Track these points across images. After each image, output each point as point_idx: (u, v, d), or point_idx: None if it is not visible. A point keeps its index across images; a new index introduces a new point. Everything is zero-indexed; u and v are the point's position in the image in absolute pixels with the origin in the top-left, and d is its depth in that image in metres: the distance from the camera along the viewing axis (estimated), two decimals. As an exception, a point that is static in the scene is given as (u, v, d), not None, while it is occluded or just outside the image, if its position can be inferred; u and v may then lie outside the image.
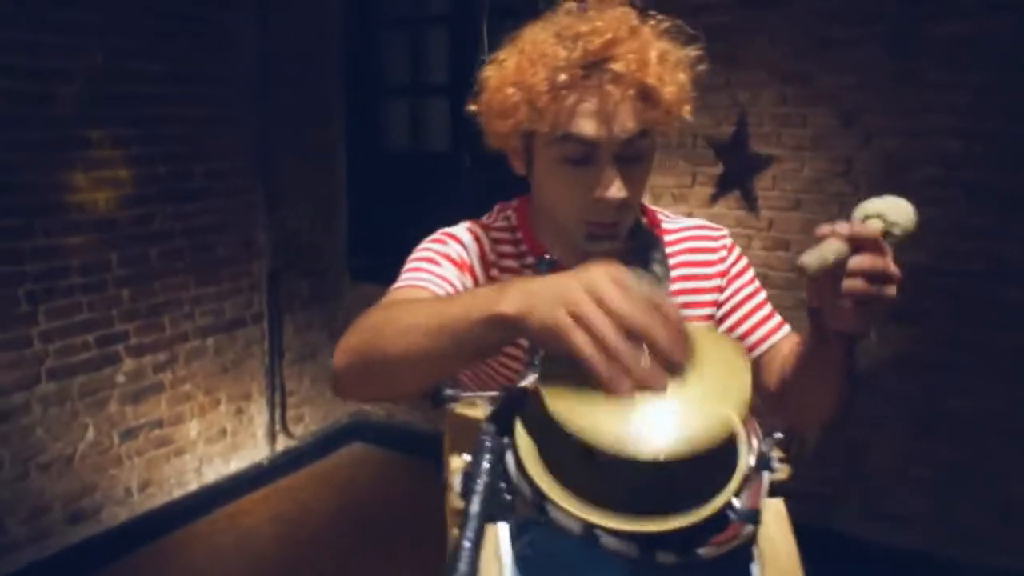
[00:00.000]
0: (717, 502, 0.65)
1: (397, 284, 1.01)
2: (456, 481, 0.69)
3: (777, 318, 1.14)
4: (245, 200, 3.37)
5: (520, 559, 0.67)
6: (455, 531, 0.65)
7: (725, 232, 1.15)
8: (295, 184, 3.58)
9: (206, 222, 3.21)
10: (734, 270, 1.13)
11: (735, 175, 2.88)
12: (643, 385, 0.61)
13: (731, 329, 1.11)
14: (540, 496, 0.65)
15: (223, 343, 3.34)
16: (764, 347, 1.10)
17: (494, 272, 1.06)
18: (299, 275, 3.65)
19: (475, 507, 0.62)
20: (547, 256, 0.90)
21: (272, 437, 3.60)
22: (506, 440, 0.69)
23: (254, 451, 3.54)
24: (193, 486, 3.27)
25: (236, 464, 3.45)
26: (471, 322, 0.70)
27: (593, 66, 0.91)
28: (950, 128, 2.57)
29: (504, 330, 0.68)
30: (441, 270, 1.02)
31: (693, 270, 1.11)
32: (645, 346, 0.61)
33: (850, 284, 0.78)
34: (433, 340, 0.74)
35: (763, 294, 1.15)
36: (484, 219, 1.13)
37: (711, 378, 0.66)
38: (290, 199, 3.55)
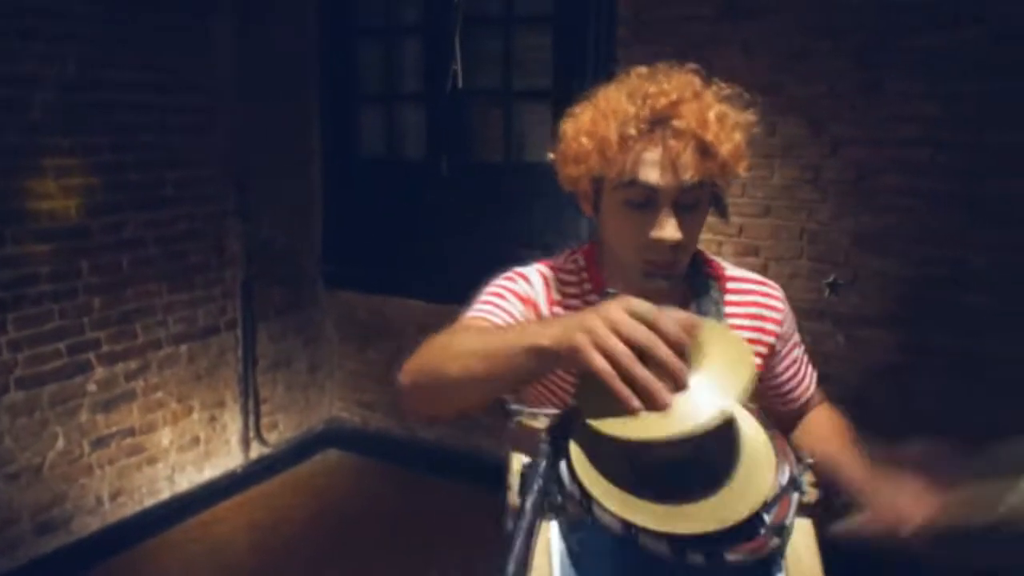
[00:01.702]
0: (744, 509, 0.72)
1: (468, 314, 1.13)
2: (515, 481, 0.79)
3: (811, 377, 1.31)
4: (219, 207, 3.35)
5: (569, 554, 0.77)
6: (511, 524, 0.73)
7: (780, 290, 1.25)
8: (270, 191, 3.57)
9: (179, 229, 3.19)
10: (789, 332, 1.24)
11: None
12: (649, 398, 0.72)
13: (779, 384, 1.26)
14: (587, 497, 0.74)
15: (196, 350, 3.31)
16: (796, 404, 1.29)
17: (557, 309, 1.16)
18: (273, 282, 3.64)
19: (529, 503, 0.71)
20: (609, 290, 0.97)
21: (246, 444, 3.58)
22: (560, 449, 0.78)
23: (228, 459, 3.51)
24: (165, 495, 3.24)
25: (209, 472, 3.43)
26: (516, 351, 0.83)
27: (658, 122, 1.02)
28: (915, 138, 2.63)
29: (542, 358, 0.81)
30: (506, 304, 1.13)
31: (753, 322, 1.19)
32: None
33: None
34: (484, 364, 0.87)
35: (802, 350, 1.29)
36: (553, 260, 1.22)
37: (716, 370, 0.75)
38: (264, 206, 3.54)
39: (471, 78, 3.43)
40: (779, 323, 1.20)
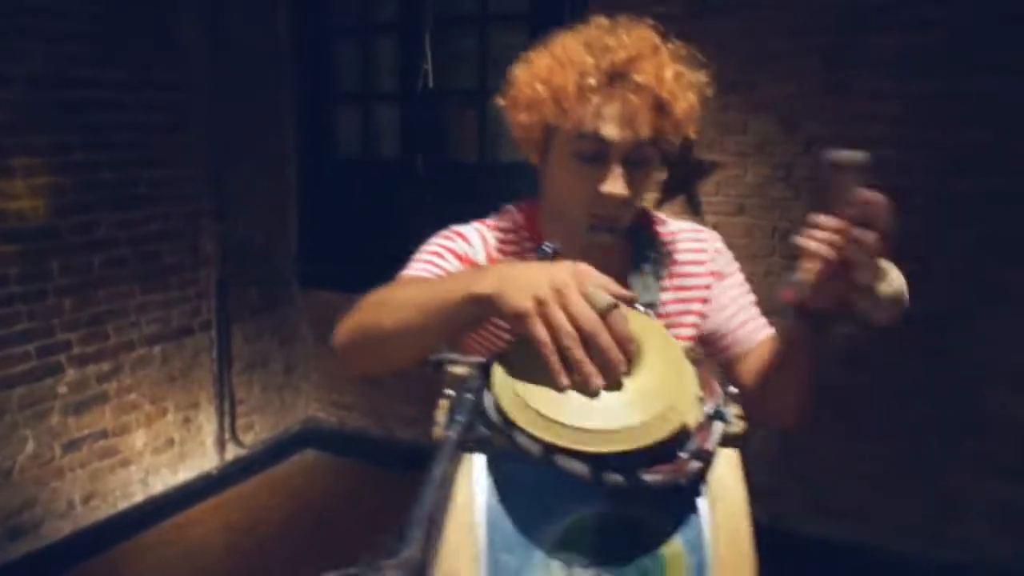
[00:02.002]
0: (657, 432, 0.73)
1: (402, 272, 1.11)
2: (441, 416, 0.79)
3: (761, 319, 1.22)
4: (193, 207, 3.32)
5: (493, 487, 0.78)
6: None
7: (716, 236, 1.25)
8: (245, 191, 3.54)
9: (153, 229, 3.15)
10: (723, 271, 1.22)
11: (680, 181, 2.95)
12: (581, 382, 0.72)
13: (716, 327, 1.20)
14: (509, 423, 0.74)
15: (170, 352, 3.28)
16: (745, 346, 1.19)
17: (496, 265, 1.14)
18: (249, 283, 3.61)
19: (453, 432, 0.71)
20: (546, 246, 0.96)
21: (221, 446, 3.55)
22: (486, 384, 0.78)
23: (203, 460, 3.48)
24: (139, 497, 3.20)
25: (184, 474, 3.40)
26: (452, 300, 0.81)
27: (617, 76, 1.01)
28: (884, 137, 2.67)
29: (479, 307, 0.79)
30: (444, 263, 1.12)
31: (686, 268, 1.19)
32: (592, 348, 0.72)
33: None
34: (421, 315, 0.85)
35: (750, 295, 1.24)
36: (490, 219, 1.21)
37: (651, 376, 0.76)
38: (239, 206, 3.51)
39: (447, 77, 3.43)
40: (710, 262, 1.20)
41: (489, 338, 1.14)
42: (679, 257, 1.20)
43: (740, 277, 1.24)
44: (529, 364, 0.75)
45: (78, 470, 2.95)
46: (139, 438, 3.18)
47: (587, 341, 0.72)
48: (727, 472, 0.82)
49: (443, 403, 0.81)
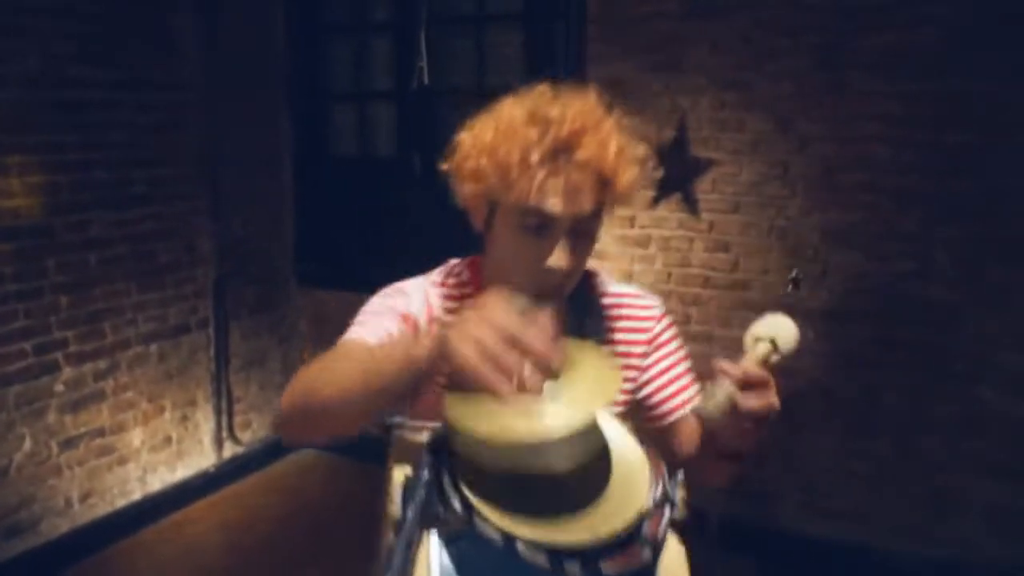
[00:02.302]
0: (618, 522, 0.75)
1: (345, 337, 1.11)
2: (396, 493, 0.80)
3: (692, 390, 1.23)
4: (189, 206, 3.32)
5: (448, 567, 0.77)
6: (391, 536, 0.74)
7: (658, 303, 1.25)
8: (241, 190, 3.54)
9: (148, 228, 3.16)
10: (660, 339, 1.22)
11: (676, 178, 2.96)
12: (521, 385, 0.73)
13: (649, 395, 1.21)
14: (468, 508, 0.75)
15: (167, 350, 3.28)
16: (675, 416, 1.21)
17: (435, 327, 1.13)
18: (245, 281, 3.62)
19: (411, 514, 0.72)
20: None
21: (219, 444, 3.56)
22: (442, 461, 0.79)
23: (200, 458, 3.48)
24: (137, 495, 3.21)
25: (182, 472, 3.40)
26: (393, 364, 0.84)
27: (560, 151, 1.01)
28: (880, 135, 2.68)
29: (413, 365, 0.81)
30: (384, 321, 1.11)
31: (624, 335, 1.20)
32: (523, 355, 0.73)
33: (742, 421, 0.91)
34: (361, 382, 0.87)
35: (684, 365, 1.24)
36: (435, 275, 1.21)
37: (583, 381, 0.79)
38: (236, 205, 3.51)
39: (443, 76, 3.44)
40: (648, 331, 1.21)
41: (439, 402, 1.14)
42: (618, 324, 1.20)
43: (677, 345, 1.24)
44: (468, 405, 0.76)
45: (76, 468, 2.96)
46: (136, 436, 3.18)
47: (514, 344, 0.73)
48: (675, 561, 0.83)
49: (396, 476, 0.82)
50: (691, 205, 2.95)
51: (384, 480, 0.90)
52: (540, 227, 1.02)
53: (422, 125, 3.57)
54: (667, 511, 0.81)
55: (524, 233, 1.03)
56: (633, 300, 1.23)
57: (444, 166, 1.12)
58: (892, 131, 2.66)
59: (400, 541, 0.69)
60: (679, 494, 0.84)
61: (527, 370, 0.73)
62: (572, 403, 0.76)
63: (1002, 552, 2.66)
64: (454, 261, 1.23)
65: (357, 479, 3.63)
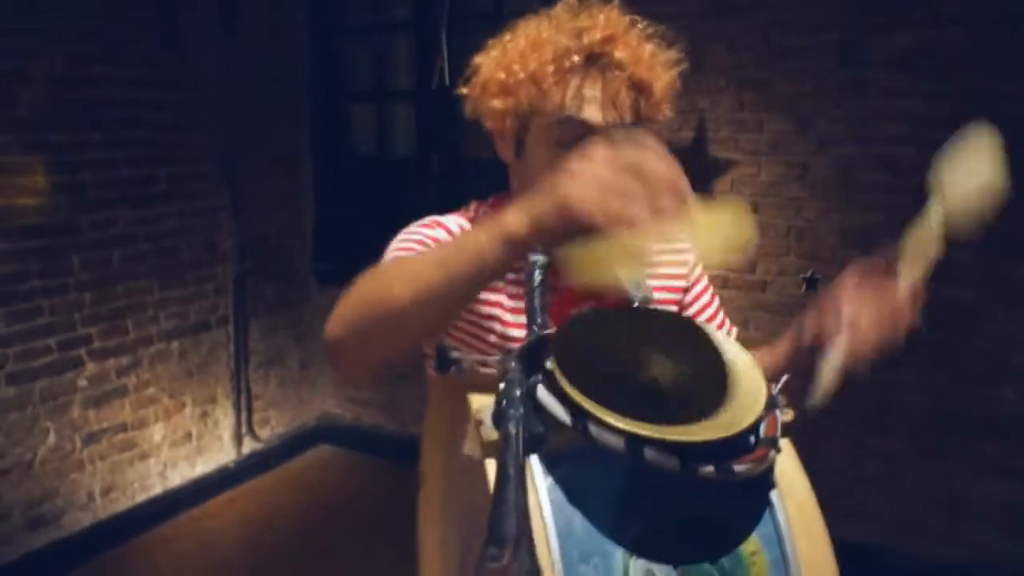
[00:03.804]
0: (747, 417, 0.70)
1: (385, 256, 1.05)
2: (486, 416, 0.70)
3: (727, 321, 1.23)
4: (210, 204, 3.36)
5: (557, 492, 0.70)
6: (489, 464, 0.66)
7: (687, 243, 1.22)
8: (261, 188, 3.57)
9: (170, 226, 3.19)
10: (696, 273, 1.21)
11: (694, 179, 2.95)
12: (655, 210, 0.64)
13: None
14: (583, 416, 0.67)
15: (188, 347, 3.32)
16: None
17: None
18: (265, 279, 3.65)
19: (514, 429, 0.63)
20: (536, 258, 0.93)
21: (238, 440, 3.59)
22: (532, 378, 0.71)
23: (220, 454, 3.52)
24: (157, 490, 3.25)
25: (202, 467, 3.44)
26: (481, 246, 0.72)
27: (595, 56, 0.97)
28: (900, 135, 2.66)
29: (514, 244, 0.71)
30: (426, 250, 1.04)
31: (666, 268, 1.16)
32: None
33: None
34: (443, 270, 0.75)
35: (717, 300, 1.23)
36: (462, 212, 1.16)
37: (717, 223, 0.72)
38: (256, 203, 3.54)
39: (461, 74, 3.44)
40: (686, 264, 1.18)
41: (472, 330, 1.08)
42: (660, 257, 1.16)
43: (708, 282, 1.24)
44: (580, 349, 0.71)
45: (98, 462, 3.00)
46: (157, 431, 3.22)
47: (639, 173, 0.65)
48: (788, 463, 0.79)
49: (476, 402, 0.73)
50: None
51: (439, 422, 0.82)
52: (579, 140, 0.94)
53: (441, 125, 3.58)
54: (778, 413, 0.77)
55: (559, 149, 0.96)
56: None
57: (464, 89, 1.05)
58: (913, 131, 2.64)
59: (508, 467, 0.60)
60: (781, 398, 0.80)
61: (663, 193, 0.65)
62: (715, 240, 0.69)
63: (1018, 554, 2.63)
64: (475, 201, 1.16)
65: (375, 475, 3.66)
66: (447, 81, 3.37)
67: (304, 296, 3.89)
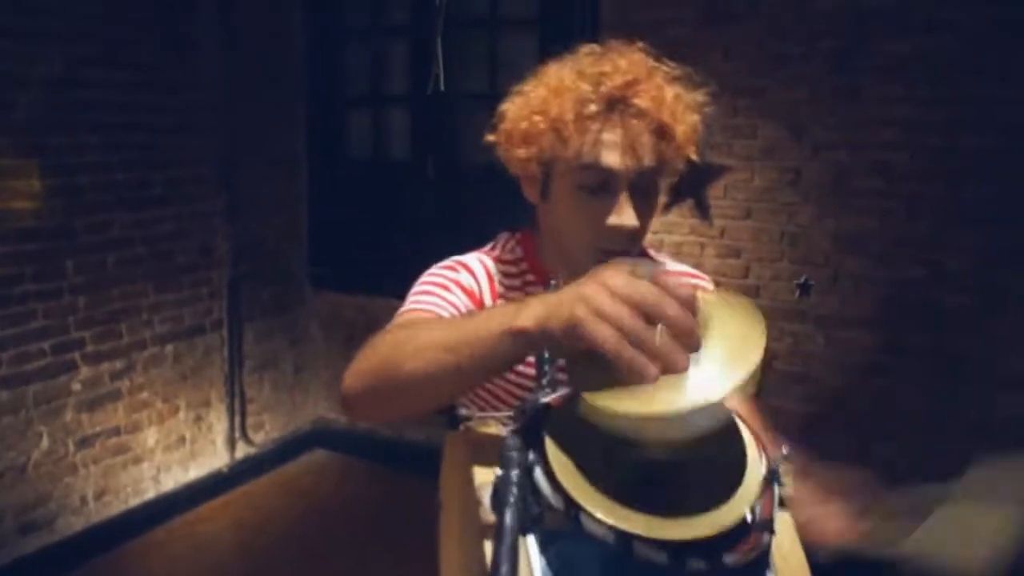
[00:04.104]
0: (740, 509, 0.69)
1: (405, 307, 1.03)
2: (485, 495, 0.69)
3: None
4: (205, 208, 3.36)
5: (547, 570, 0.69)
6: (485, 544, 0.66)
7: (709, 281, 1.21)
8: (256, 192, 3.57)
9: (166, 230, 3.19)
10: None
11: (688, 184, 2.97)
12: (665, 365, 0.63)
13: None
14: (574, 506, 0.67)
15: (182, 350, 3.32)
16: None
17: (500, 303, 1.09)
18: (260, 283, 3.65)
19: (509, 519, 0.62)
20: (554, 281, 0.91)
21: (232, 444, 3.58)
22: (531, 455, 0.71)
23: (214, 458, 3.51)
24: (151, 494, 3.24)
25: (195, 472, 3.43)
26: (491, 337, 0.73)
27: (616, 102, 0.98)
28: (893, 141, 2.68)
29: (523, 342, 0.71)
30: (451, 296, 1.05)
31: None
32: (660, 326, 0.63)
33: None
34: (453, 355, 0.76)
35: None
36: (489, 249, 1.15)
37: (724, 348, 0.69)
38: (251, 207, 3.54)
39: (457, 80, 3.46)
40: None
41: (495, 392, 1.09)
42: None
43: None
44: (577, 426, 0.69)
45: (91, 466, 2.99)
46: (151, 435, 3.22)
47: (652, 317, 0.63)
48: (786, 539, 0.77)
49: (479, 476, 0.72)
50: (703, 211, 2.96)
51: (452, 480, 0.81)
52: (600, 185, 0.98)
53: (437, 130, 3.59)
54: (775, 488, 0.74)
55: (583, 193, 0.99)
56: (687, 279, 1.17)
57: (491, 136, 1.07)
58: (906, 137, 2.66)
59: (502, 551, 0.60)
60: (783, 468, 0.77)
61: (669, 344, 0.63)
62: (717, 368, 0.66)
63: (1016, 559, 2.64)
64: (504, 235, 1.17)
65: (369, 480, 3.66)
66: (442, 86, 3.38)
67: (299, 300, 3.88)
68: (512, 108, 1.05)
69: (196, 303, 3.36)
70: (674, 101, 1.00)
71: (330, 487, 3.67)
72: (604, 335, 0.63)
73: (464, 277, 1.09)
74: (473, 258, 1.12)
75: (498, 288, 1.11)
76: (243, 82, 3.44)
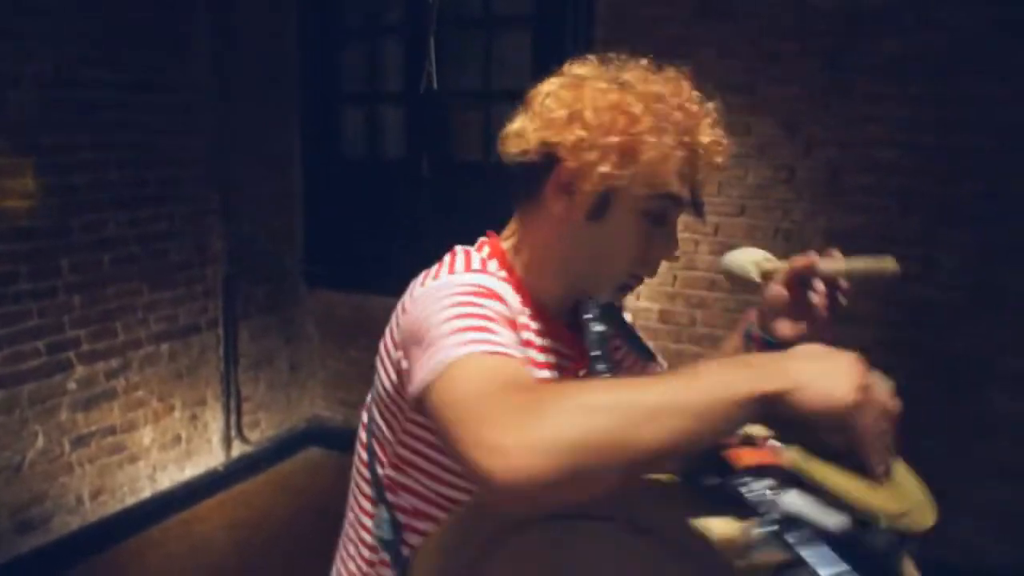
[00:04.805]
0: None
1: (466, 348, 0.79)
2: (760, 540, 0.69)
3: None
4: (200, 206, 3.35)
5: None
6: None
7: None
8: (251, 191, 3.57)
9: (160, 228, 3.19)
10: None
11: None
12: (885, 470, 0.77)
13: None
14: (869, 515, 0.74)
15: (177, 349, 3.32)
16: None
17: (519, 330, 0.96)
18: (255, 281, 3.65)
19: (812, 555, 0.67)
20: (589, 315, 0.95)
21: (227, 443, 3.58)
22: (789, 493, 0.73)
23: (209, 457, 3.51)
24: (147, 493, 3.24)
25: (191, 470, 3.43)
26: (742, 400, 0.69)
27: (686, 133, 0.94)
28: (886, 138, 2.69)
29: (767, 407, 0.70)
30: (508, 334, 0.85)
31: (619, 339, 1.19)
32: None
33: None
34: (698, 422, 0.69)
35: None
36: (479, 265, 1.00)
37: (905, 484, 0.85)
38: (246, 206, 3.54)
39: (452, 78, 3.46)
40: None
41: (440, 490, 0.98)
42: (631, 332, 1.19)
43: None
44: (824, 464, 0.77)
45: (87, 466, 2.99)
46: (147, 434, 3.22)
47: (890, 426, 0.77)
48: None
49: (723, 529, 0.70)
50: (696, 208, 2.95)
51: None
52: (663, 215, 0.96)
53: (431, 127, 3.59)
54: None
55: (646, 221, 0.95)
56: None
57: (555, 138, 0.94)
58: (898, 134, 2.67)
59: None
60: None
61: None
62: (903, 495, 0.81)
63: (1007, 555, 2.66)
64: (465, 248, 1.05)
65: (364, 479, 3.66)
66: (434, 84, 3.39)
67: (294, 298, 3.89)
68: (594, 116, 0.93)
69: (191, 302, 3.36)
70: (726, 146, 0.98)
71: (325, 485, 3.67)
72: (871, 428, 0.75)
73: (500, 307, 0.90)
74: (487, 280, 0.94)
75: (513, 312, 0.95)
76: (238, 81, 3.43)
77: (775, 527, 0.68)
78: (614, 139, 0.91)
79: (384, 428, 0.99)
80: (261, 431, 3.77)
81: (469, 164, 3.58)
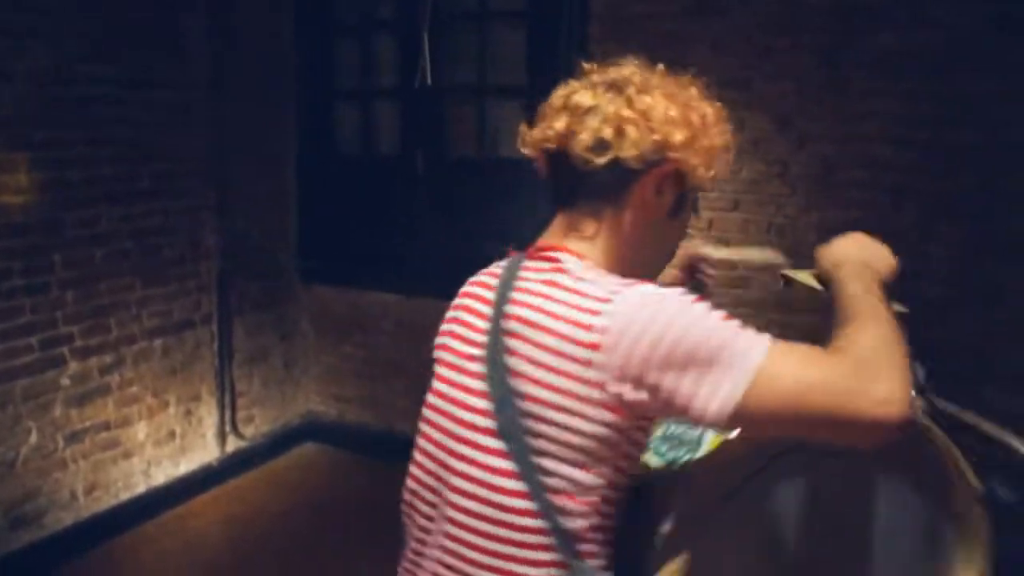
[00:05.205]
0: None
1: (759, 342, 0.89)
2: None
3: None
4: (194, 202, 3.35)
5: None
6: None
7: None
8: (245, 186, 3.57)
9: (154, 224, 3.18)
10: None
11: (678, 178, 2.98)
12: None
13: None
14: None
15: (171, 345, 3.31)
16: None
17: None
18: (250, 277, 3.64)
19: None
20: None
21: (222, 438, 3.58)
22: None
23: (204, 452, 3.51)
24: (141, 488, 3.23)
25: (185, 466, 3.43)
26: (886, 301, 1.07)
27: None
28: (879, 134, 2.70)
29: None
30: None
31: None
32: None
33: None
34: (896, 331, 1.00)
35: None
36: (609, 276, 1.00)
37: None
38: (240, 201, 3.54)
39: (446, 74, 3.46)
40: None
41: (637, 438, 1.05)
42: None
43: None
44: None
45: (81, 461, 2.98)
46: (141, 430, 3.21)
47: None
48: None
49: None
50: (693, 203, 2.97)
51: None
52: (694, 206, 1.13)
53: (426, 123, 3.59)
54: None
55: (688, 213, 1.11)
56: None
57: (677, 138, 1.00)
58: (892, 130, 2.68)
59: None
60: None
61: None
62: None
63: (1006, 549, 2.68)
64: (567, 268, 1.01)
65: (359, 473, 3.66)
66: (428, 80, 3.39)
67: (289, 294, 3.88)
68: (697, 119, 1.03)
69: (185, 297, 3.36)
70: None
71: (320, 481, 3.68)
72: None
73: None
74: (676, 292, 0.96)
75: None
76: (233, 77, 3.42)
77: None
78: (705, 142, 1.02)
79: (578, 475, 0.97)
80: (256, 427, 3.77)
81: (464, 160, 3.58)
